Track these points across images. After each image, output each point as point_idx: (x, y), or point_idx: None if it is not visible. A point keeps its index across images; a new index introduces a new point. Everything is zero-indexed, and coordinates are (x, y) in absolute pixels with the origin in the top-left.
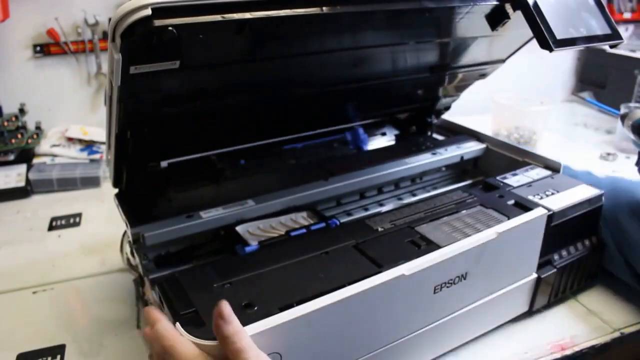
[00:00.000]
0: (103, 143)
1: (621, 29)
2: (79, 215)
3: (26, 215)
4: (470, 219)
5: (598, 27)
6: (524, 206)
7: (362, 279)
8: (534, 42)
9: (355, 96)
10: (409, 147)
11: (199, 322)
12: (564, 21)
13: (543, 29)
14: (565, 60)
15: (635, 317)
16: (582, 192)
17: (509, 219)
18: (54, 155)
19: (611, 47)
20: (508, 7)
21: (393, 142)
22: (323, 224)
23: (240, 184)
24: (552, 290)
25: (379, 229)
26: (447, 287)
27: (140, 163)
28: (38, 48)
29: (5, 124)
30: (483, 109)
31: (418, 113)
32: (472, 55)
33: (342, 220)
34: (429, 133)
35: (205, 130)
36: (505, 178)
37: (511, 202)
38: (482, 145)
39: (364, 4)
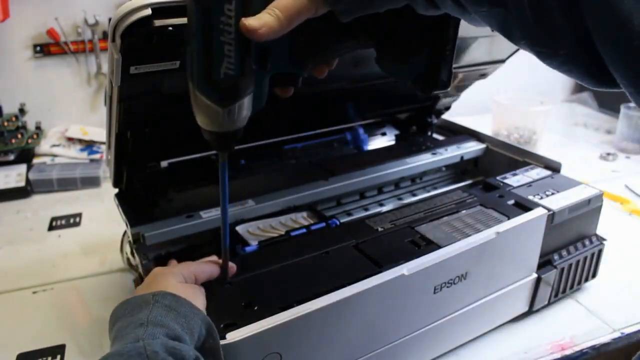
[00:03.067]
0: (103, 143)
1: None
2: (79, 215)
3: (26, 215)
4: (470, 219)
5: None
6: (524, 206)
7: (362, 279)
8: None
9: (355, 96)
10: (409, 147)
11: None
12: None
13: None
14: None
15: (635, 317)
16: (582, 192)
17: (509, 219)
18: (54, 155)
19: None
20: None
21: (393, 142)
22: (323, 224)
23: (240, 184)
24: (552, 290)
25: (379, 229)
26: (447, 287)
27: (140, 163)
28: (38, 48)
29: (5, 124)
30: (483, 109)
31: (418, 113)
32: (472, 55)
33: (342, 220)
34: (429, 133)
35: None
36: (505, 178)
37: (511, 202)
38: (482, 145)
39: None
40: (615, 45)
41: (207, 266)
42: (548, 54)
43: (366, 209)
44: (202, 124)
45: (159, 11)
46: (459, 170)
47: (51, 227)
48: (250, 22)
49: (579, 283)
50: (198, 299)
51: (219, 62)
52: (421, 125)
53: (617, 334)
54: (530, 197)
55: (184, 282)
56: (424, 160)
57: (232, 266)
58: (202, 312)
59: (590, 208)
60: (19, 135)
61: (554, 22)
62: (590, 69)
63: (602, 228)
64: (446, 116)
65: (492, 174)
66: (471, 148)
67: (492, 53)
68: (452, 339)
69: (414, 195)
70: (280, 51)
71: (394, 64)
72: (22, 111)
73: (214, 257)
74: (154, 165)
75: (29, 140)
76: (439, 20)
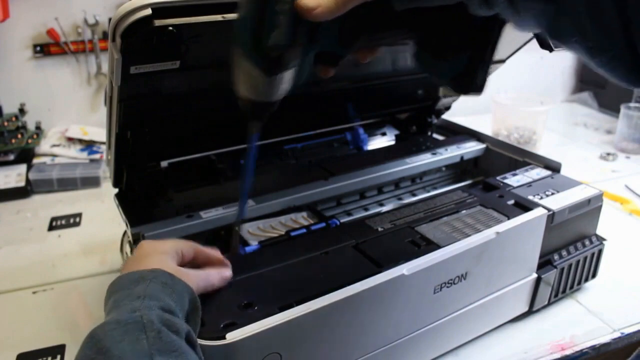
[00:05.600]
0: (103, 143)
1: None
2: (79, 215)
3: (26, 215)
4: (470, 219)
5: None
6: (524, 206)
7: (362, 279)
8: (534, 42)
9: (355, 96)
10: (409, 147)
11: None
12: None
13: None
14: (565, 60)
15: (635, 317)
16: (582, 192)
17: (508, 219)
18: (54, 155)
19: None
20: None
21: (393, 142)
22: (323, 224)
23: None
24: (552, 290)
25: (379, 229)
26: (447, 287)
27: (140, 163)
28: (38, 48)
29: (5, 124)
30: (483, 109)
31: (418, 113)
32: None
33: (342, 220)
34: (429, 133)
35: (205, 130)
36: (505, 178)
37: (511, 202)
38: (482, 145)
39: None
40: None
41: (210, 251)
42: (598, 51)
43: (366, 209)
44: (243, 91)
45: (159, 11)
46: (459, 170)
47: (51, 227)
48: (307, 1)
49: (579, 283)
50: (190, 281)
51: (270, 30)
52: (421, 125)
53: (617, 334)
54: (530, 197)
55: (175, 264)
56: (424, 160)
57: (228, 263)
58: (193, 291)
59: (590, 208)
60: (19, 135)
61: (608, 20)
62: (635, 69)
63: (602, 228)
64: (446, 116)
65: (492, 174)
66: (471, 148)
67: None
68: (452, 339)
69: (414, 195)
70: (329, 30)
71: (432, 60)
72: (22, 111)
73: (217, 252)
74: (154, 165)
75: (29, 140)
76: (483, 23)
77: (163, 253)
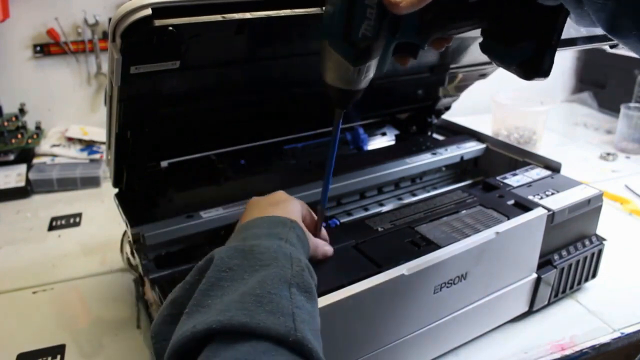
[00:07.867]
0: (103, 143)
1: None
2: (79, 215)
3: (26, 215)
4: (470, 219)
5: None
6: (523, 206)
7: (362, 279)
8: None
9: None
10: (409, 147)
11: None
12: None
13: None
14: (565, 60)
15: (635, 317)
16: (582, 192)
17: (508, 219)
18: (54, 155)
19: (611, 47)
20: None
21: (393, 142)
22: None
23: (241, 184)
24: (552, 290)
25: (379, 229)
26: (447, 287)
27: (140, 163)
28: (38, 48)
29: (5, 124)
30: (483, 109)
31: (418, 113)
32: (472, 55)
33: (342, 220)
34: (429, 133)
35: (206, 130)
36: (505, 178)
37: (511, 202)
38: (482, 145)
39: None
40: None
41: (312, 219)
42: None
43: (366, 209)
44: (330, 81)
45: (159, 11)
46: (459, 170)
47: (51, 227)
48: None
49: (579, 283)
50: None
51: (360, 23)
52: (421, 125)
53: (617, 334)
54: (530, 197)
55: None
56: (424, 160)
57: (325, 235)
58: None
59: (590, 208)
60: (19, 135)
61: None
62: None
63: (602, 228)
64: (446, 116)
65: (492, 174)
66: (471, 148)
67: None
68: (452, 339)
69: (414, 195)
70: (409, 22)
71: (501, 47)
72: (22, 111)
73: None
74: (154, 165)
75: (29, 140)
76: (548, 11)
77: (297, 206)
